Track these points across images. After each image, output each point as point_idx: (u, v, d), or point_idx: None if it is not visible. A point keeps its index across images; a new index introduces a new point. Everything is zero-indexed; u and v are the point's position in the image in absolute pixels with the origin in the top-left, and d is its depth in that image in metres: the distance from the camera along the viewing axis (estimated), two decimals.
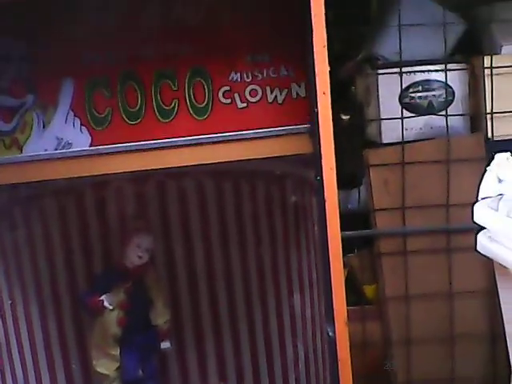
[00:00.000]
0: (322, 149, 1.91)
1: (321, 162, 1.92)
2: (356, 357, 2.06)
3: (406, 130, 2.80)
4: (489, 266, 2.50)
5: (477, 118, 2.86)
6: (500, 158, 1.89)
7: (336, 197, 1.94)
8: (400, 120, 2.79)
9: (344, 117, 3.04)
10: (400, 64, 2.79)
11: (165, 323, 2.46)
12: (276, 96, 2.09)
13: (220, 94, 2.07)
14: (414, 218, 2.81)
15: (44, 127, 2.04)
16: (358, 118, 3.00)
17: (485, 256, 1.83)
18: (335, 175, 1.93)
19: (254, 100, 2.08)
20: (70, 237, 2.56)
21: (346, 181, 2.77)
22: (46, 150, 2.04)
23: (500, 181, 1.85)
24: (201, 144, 2.06)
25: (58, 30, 2.03)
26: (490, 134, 2.78)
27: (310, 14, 1.85)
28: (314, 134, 2.00)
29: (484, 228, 1.81)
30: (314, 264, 2.37)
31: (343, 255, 1.98)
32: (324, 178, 1.93)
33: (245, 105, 2.08)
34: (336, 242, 1.97)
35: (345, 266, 2.03)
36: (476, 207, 1.83)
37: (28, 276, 2.50)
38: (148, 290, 2.41)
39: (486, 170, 1.90)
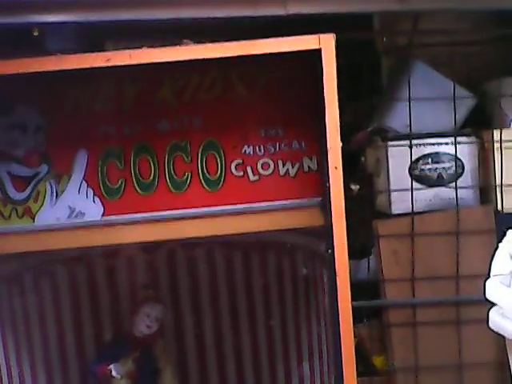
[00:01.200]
0: (333, 223, 1.93)
1: (332, 235, 1.94)
2: None
3: (416, 201, 2.81)
4: (499, 338, 2.50)
5: (486, 190, 2.88)
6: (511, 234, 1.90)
7: (347, 271, 1.95)
8: (410, 191, 2.80)
9: (353, 187, 3.05)
10: (410, 136, 2.82)
11: None
12: (288, 169, 2.11)
13: (232, 167, 2.10)
14: (424, 289, 2.80)
15: (57, 197, 2.07)
16: (367, 188, 3.02)
17: (497, 333, 1.83)
18: (347, 249, 1.94)
19: (266, 173, 2.11)
20: (79, 304, 2.58)
21: (356, 251, 2.77)
22: (58, 219, 2.07)
23: None
24: (212, 216, 2.08)
25: (74, 101, 2.07)
26: (499, 207, 2.79)
27: (323, 90, 1.89)
28: (325, 207, 2.02)
29: (496, 304, 1.81)
30: (324, 335, 2.36)
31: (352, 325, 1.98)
32: (336, 253, 1.94)
33: (257, 178, 2.11)
34: (347, 314, 1.98)
35: (354, 336, 2.02)
36: (488, 284, 1.83)
37: (37, 343, 2.51)
38: (156, 360, 2.41)
39: (497, 247, 1.90)
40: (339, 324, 1.97)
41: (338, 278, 1.94)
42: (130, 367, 2.33)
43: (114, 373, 2.29)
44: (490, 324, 1.83)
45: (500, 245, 1.88)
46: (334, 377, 2.13)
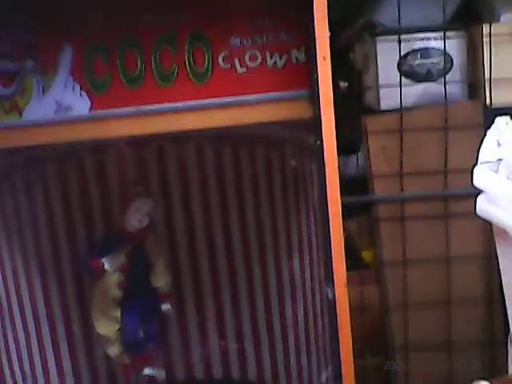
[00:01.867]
0: (321, 113, 1.93)
1: (321, 126, 1.94)
2: (354, 320, 2.09)
3: (405, 97, 2.81)
4: (486, 231, 2.54)
5: (475, 85, 2.87)
6: (500, 122, 1.90)
7: (336, 161, 1.95)
8: (398, 87, 2.79)
9: (342, 84, 3.04)
10: (399, 31, 2.79)
11: (165, 285, 2.49)
12: (275, 61, 2.09)
13: (220, 59, 2.07)
14: (412, 184, 2.82)
15: (44, 92, 2.05)
16: (356, 85, 3.00)
17: (484, 219, 1.85)
18: (335, 140, 1.95)
19: (253, 65, 2.08)
20: (70, 201, 2.58)
21: (344, 147, 2.77)
22: (45, 115, 2.05)
23: (500, 145, 1.86)
24: (201, 109, 2.06)
25: None
26: (488, 102, 2.79)
27: None
28: (313, 99, 2.01)
29: (483, 191, 1.83)
30: (314, 228, 2.39)
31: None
32: (324, 143, 1.94)
33: (244, 70, 2.08)
34: (336, 206, 1.99)
35: (343, 231, 2.04)
36: (476, 170, 1.84)
37: (29, 240, 2.52)
38: (148, 254, 2.43)
39: (485, 134, 1.91)
40: (328, 217, 1.99)
41: (326, 167, 1.95)
42: (122, 261, 2.35)
43: (106, 266, 2.32)
44: (478, 210, 1.85)
45: (488, 132, 1.88)
46: (323, 271, 2.16)
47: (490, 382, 1.86)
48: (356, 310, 2.61)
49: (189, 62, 2.06)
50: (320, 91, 1.93)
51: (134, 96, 2.05)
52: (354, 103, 2.95)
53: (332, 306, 2.03)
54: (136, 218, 2.34)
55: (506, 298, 1.96)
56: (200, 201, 2.66)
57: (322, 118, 1.93)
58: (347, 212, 2.74)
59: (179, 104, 2.05)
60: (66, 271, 2.61)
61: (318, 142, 1.97)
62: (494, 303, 2.82)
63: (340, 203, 1.99)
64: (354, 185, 2.77)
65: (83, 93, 2.05)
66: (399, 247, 2.82)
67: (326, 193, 1.98)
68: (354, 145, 2.96)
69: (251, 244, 2.70)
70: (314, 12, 1.87)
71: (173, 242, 2.68)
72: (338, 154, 1.97)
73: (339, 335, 2.03)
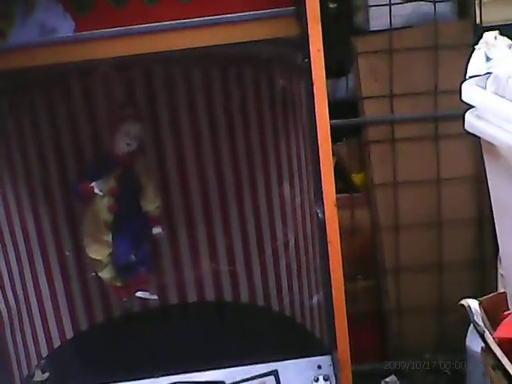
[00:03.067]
0: (309, 30, 1.91)
1: (308, 43, 1.92)
2: (345, 243, 2.10)
3: (394, 17, 2.77)
4: (477, 152, 2.53)
5: (465, 4, 2.84)
6: (488, 36, 1.88)
7: (324, 78, 1.94)
8: (388, 7, 2.75)
9: (331, 5, 2.99)
10: None
11: (156, 209, 2.50)
12: None
13: None
14: (402, 105, 2.81)
15: (27, 15, 2.01)
16: (345, 5, 2.96)
17: (473, 139, 1.84)
18: (323, 57, 1.93)
19: None
20: (58, 126, 2.56)
21: (334, 69, 2.75)
22: (30, 38, 2.01)
23: (488, 59, 1.84)
24: (186, 28, 2.03)
25: None
26: (478, 20, 2.76)
27: None
28: (301, 15, 1.98)
29: (472, 107, 1.82)
30: (304, 149, 2.38)
31: (331, 144, 2.00)
32: (312, 60, 1.93)
33: None
34: (324, 124, 1.99)
35: (333, 154, 2.04)
36: (464, 86, 1.82)
37: (18, 166, 2.52)
38: (138, 177, 2.43)
39: (473, 50, 1.89)
40: (317, 139, 1.99)
41: (314, 86, 1.94)
42: (112, 184, 2.36)
43: (96, 190, 2.32)
44: (466, 126, 1.84)
45: (476, 47, 1.86)
46: (314, 195, 2.17)
47: (480, 301, 1.87)
48: (347, 232, 2.63)
49: None
50: (307, 8, 1.90)
51: (119, 16, 2.01)
52: (344, 24, 2.91)
53: (322, 226, 2.04)
54: (124, 141, 2.33)
55: (495, 214, 1.95)
56: (189, 123, 2.65)
57: (310, 35, 1.91)
58: (337, 135, 2.76)
59: (165, 23, 2.02)
60: (56, 196, 2.61)
61: (306, 59, 1.96)
62: (484, 224, 2.83)
63: (328, 120, 1.98)
64: (344, 107, 2.76)
65: (67, 14, 2.01)
66: (390, 169, 2.82)
67: (315, 114, 1.97)
68: (344, 67, 2.93)
69: (241, 166, 2.70)
70: None
71: (163, 165, 2.68)
72: (328, 77, 1.96)
73: (330, 256, 2.05)
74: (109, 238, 2.41)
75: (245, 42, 2.06)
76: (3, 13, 2.01)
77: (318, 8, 1.89)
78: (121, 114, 2.38)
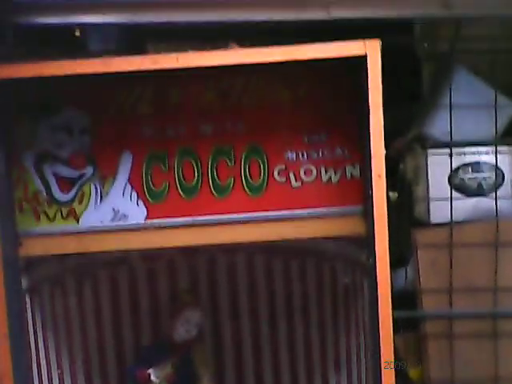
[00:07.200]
0: (375, 231, 1.92)
1: (374, 244, 1.93)
2: None
3: (455, 210, 2.78)
4: None
5: None
6: None
7: (389, 280, 1.94)
8: (449, 201, 2.77)
9: (392, 194, 3.03)
10: (450, 145, 2.78)
11: None
12: (330, 176, 2.11)
13: (275, 173, 2.09)
14: (461, 300, 2.77)
15: (101, 199, 2.08)
16: (406, 196, 2.99)
17: None
18: (388, 259, 1.93)
19: (308, 179, 2.10)
20: (119, 307, 2.58)
21: (393, 260, 2.75)
22: (101, 222, 2.08)
23: None
24: (254, 221, 2.07)
25: (119, 103, 2.09)
26: None
27: (367, 96, 1.88)
28: (367, 215, 2.01)
29: None
30: (363, 345, 2.35)
31: None
32: (377, 261, 1.94)
33: (299, 184, 2.10)
34: (387, 324, 1.97)
35: None
36: None
37: (77, 345, 2.52)
38: (195, 365, 2.40)
39: None
40: (379, 333, 1.97)
41: (379, 287, 1.94)
42: (168, 372, 2.33)
43: (152, 377, 2.29)
44: None
45: None
46: None
47: None
48: None
49: (245, 175, 2.08)
50: (374, 208, 1.93)
51: (189, 206, 2.07)
52: (404, 214, 2.93)
53: None
54: (185, 327, 2.32)
55: None
56: (249, 313, 2.64)
57: (376, 235, 1.93)
58: (394, 327, 2.72)
59: (232, 216, 2.07)
60: (111, 379, 2.59)
61: (371, 260, 1.97)
62: None
63: (391, 322, 1.97)
64: (402, 299, 2.73)
65: (140, 201, 2.08)
66: (447, 365, 2.75)
67: (378, 310, 1.96)
68: (404, 258, 2.92)
69: (298, 357, 2.66)
70: (371, 131, 1.89)
71: (220, 354, 2.66)
72: None
73: None
74: None
75: (310, 238, 2.08)
76: (78, 195, 2.08)
77: (386, 210, 1.92)
78: (183, 300, 2.38)
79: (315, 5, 2.45)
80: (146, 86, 2.08)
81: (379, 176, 1.91)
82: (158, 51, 3.26)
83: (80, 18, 2.41)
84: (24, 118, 2.07)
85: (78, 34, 2.90)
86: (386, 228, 1.92)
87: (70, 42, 2.91)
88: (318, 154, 2.11)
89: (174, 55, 1.89)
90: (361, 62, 1.90)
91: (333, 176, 2.10)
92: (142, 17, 2.41)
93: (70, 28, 2.73)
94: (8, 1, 2.33)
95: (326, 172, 2.10)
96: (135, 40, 3.09)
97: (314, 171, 2.10)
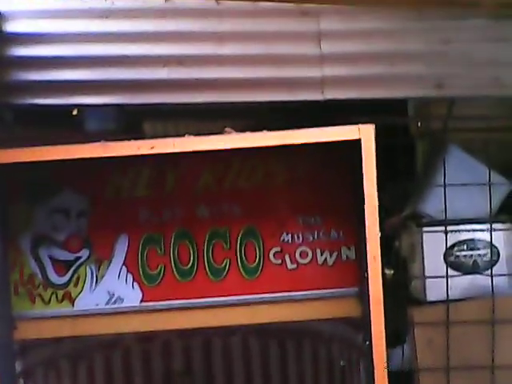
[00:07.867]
0: (371, 313, 1.92)
1: (370, 326, 1.92)
2: None
3: (451, 288, 2.78)
4: None
5: None
6: None
7: (385, 362, 1.93)
8: (445, 278, 2.78)
9: (388, 272, 3.03)
10: (445, 222, 2.80)
11: None
12: (326, 258, 2.12)
13: (271, 255, 2.10)
14: (458, 378, 2.75)
15: (97, 281, 2.09)
16: (401, 273, 2.99)
17: None
18: (385, 341, 1.93)
19: (304, 261, 2.11)
20: None
21: (390, 338, 2.74)
22: (97, 305, 2.08)
23: None
24: (249, 304, 2.08)
25: (115, 186, 2.10)
26: None
27: (361, 177, 1.90)
28: (362, 297, 2.01)
29: None
30: None
31: None
32: (373, 344, 1.92)
33: (295, 266, 2.11)
34: None
35: None
36: None
37: None
38: None
39: None
40: None
41: (375, 369, 1.92)
42: None
43: None
44: None
45: None
46: None
47: None
48: None
49: (240, 257, 2.09)
50: (370, 291, 1.93)
51: (185, 289, 2.08)
52: (400, 292, 2.93)
53: None
54: None
55: None
56: None
57: (372, 318, 1.92)
58: None
59: (228, 298, 2.07)
60: None
61: (367, 342, 1.96)
62: None
63: None
64: (399, 378, 2.71)
65: (135, 284, 2.08)
66: None
67: None
68: (400, 336, 2.91)
69: None
70: (365, 214, 1.90)
71: None
72: None
73: None
74: None
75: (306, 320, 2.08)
76: (74, 278, 2.08)
77: (381, 292, 1.92)
78: (178, 381, 2.36)
79: (309, 86, 2.50)
80: (142, 169, 2.10)
81: (374, 258, 1.92)
82: (154, 130, 3.32)
83: (77, 99, 2.45)
84: (21, 199, 2.09)
85: (75, 112, 2.93)
86: (382, 310, 1.91)
87: (67, 121, 2.95)
88: (314, 236, 2.12)
89: (170, 140, 1.90)
90: (355, 145, 1.92)
91: (328, 258, 2.12)
92: (141, 98, 2.46)
93: (67, 108, 2.75)
94: (6, 83, 2.37)
95: (321, 254, 2.12)
96: (132, 119, 3.13)
97: (310, 253, 2.11)
